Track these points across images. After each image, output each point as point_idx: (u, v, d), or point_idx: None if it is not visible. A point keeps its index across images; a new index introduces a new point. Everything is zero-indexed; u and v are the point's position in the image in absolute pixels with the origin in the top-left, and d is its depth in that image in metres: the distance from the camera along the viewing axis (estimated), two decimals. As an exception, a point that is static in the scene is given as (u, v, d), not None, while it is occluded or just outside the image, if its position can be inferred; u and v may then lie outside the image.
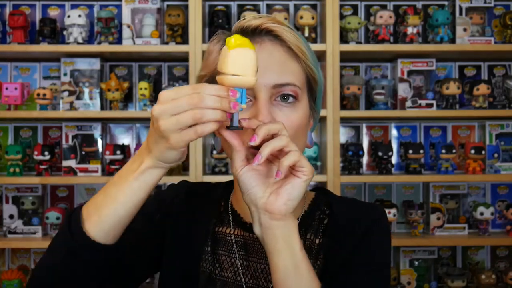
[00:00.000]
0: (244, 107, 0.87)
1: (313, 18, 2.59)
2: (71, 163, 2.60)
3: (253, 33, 1.01)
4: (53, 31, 2.62)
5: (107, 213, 0.93)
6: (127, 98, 2.74)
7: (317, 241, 1.08)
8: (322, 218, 1.11)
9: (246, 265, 1.07)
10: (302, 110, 1.01)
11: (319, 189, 1.19)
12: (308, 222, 1.10)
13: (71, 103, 2.60)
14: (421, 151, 2.60)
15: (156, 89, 2.74)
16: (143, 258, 1.09)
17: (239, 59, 0.85)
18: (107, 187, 0.95)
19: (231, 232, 1.10)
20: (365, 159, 2.75)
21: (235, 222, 1.10)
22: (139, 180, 0.91)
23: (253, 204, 0.91)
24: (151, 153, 0.89)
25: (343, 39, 2.63)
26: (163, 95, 0.85)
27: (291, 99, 0.99)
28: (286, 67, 1.00)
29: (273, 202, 0.89)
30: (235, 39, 0.86)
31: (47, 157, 2.56)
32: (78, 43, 2.57)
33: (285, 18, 2.62)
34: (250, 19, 1.02)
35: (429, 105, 2.59)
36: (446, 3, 2.79)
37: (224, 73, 0.86)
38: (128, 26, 2.60)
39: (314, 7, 2.75)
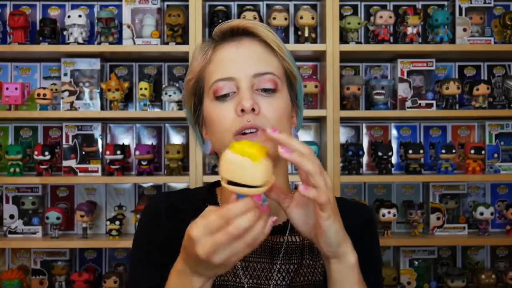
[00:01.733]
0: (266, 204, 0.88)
1: (313, 18, 2.59)
2: (71, 163, 2.60)
3: (231, 34, 1.07)
4: (54, 31, 2.63)
5: None
6: (127, 98, 2.74)
7: (306, 241, 1.10)
8: None
9: (245, 266, 1.07)
10: (283, 100, 1.06)
11: None
12: None
13: (71, 103, 2.60)
14: (421, 151, 2.60)
15: (156, 89, 2.74)
16: None
17: (252, 172, 0.84)
18: None
19: None
20: (365, 159, 2.75)
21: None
22: None
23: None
24: (202, 276, 0.88)
25: (343, 39, 2.64)
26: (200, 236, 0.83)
27: (271, 91, 1.04)
28: (264, 59, 1.06)
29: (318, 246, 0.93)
30: (254, 150, 0.85)
31: (47, 157, 2.56)
32: (78, 43, 2.57)
33: (285, 18, 2.62)
34: (228, 21, 1.09)
35: (429, 105, 2.59)
36: (446, 3, 2.80)
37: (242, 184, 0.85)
38: (128, 26, 2.60)
39: (314, 7, 2.75)
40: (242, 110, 1.00)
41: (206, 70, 1.08)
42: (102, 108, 2.63)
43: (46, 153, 2.55)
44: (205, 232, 0.82)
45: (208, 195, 1.16)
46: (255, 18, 2.60)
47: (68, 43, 2.58)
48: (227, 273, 1.07)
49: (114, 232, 2.54)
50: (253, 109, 1.00)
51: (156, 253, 1.07)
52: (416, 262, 2.73)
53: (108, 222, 2.58)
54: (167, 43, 2.61)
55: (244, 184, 0.84)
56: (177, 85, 2.69)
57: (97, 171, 2.60)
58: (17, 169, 2.56)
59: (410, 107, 2.60)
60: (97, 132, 2.65)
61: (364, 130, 2.80)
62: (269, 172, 0.86)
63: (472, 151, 2.59)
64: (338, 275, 0.92)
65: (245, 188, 0.84)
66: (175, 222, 1.08)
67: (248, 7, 2.74)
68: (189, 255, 0.85)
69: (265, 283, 1.06)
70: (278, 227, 1.10)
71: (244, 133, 1.01)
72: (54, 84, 2.76)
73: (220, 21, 2.64)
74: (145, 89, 2.59)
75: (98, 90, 2.63)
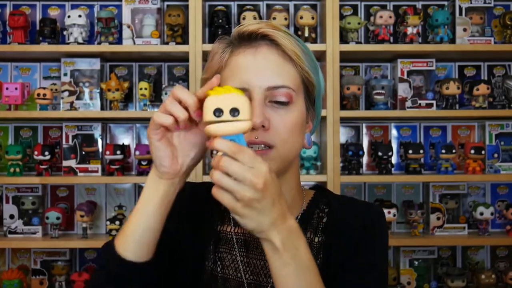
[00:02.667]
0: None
1: (313, 18, 2.59)
2: (71, 163, 2.60)
3: (250, 38, 1.05)
4: (53, 31, 2.62)
5: (130, 229, 0.98)
6: (127, 98, 2.74)
7: (316, 239, 1.10)
8: (321, 217, 1.12)
9: (247, 262, 1.08)
10: (297, 112, 1.04)
11: (318, 188, 1.20)
12: (307, 220, 1.11)
13: (71, 103, 2.60)
14: (421, 151, 2.60)
15: (156, 89, 2.74)
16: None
17: (227, 102, 0.86)
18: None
19: (232, 230, 1.11)
20: (365, 159, 2.75)
21: (235, 220, 1.11)
22: (145, 192, 0.98)
23: None
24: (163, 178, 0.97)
25: (343, 39, 2.64)
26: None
27: (284, 104, 1.02)
28: (280, 70, 1.03)
29: None
30: (217, 90, 0.88)
31: (47, 157, 2.56)
32: (78, 43, 2.57)
33: (285, 18, 2.62)
34: (248, 24, 1.06)
35: (429, 105, 2.59)
36: (446, 3, 2.79)
37: (211, 121, 0.86)
38: (128, 26, 2.60)
39: (314, 7, 2.75)
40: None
41: (221, 74, 1.06)
42: (102, 108, 2.63)
43: (46, 153, 2.55)
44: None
45: None
46: (254, 18, 2.60)
47: (68, 43, 2.58)
48: (228, 268, 1.09)
49: (114, 232, 2.54)
50: (263, 126, 0.99)
51: (170, 222, 1.07)
52: (416, 262, 2.73)
53: (108, 222, 2.58)
54: (167, 43, 2.61)
55: (231, 113, 0.86)
56: (177, 85, 2.69)
57: (97, 171, 2.60)
58: (17, 169, 2.56)
59: (410, 107, 2.60)
60: (97, 132, 2.65)
61: (364, 130, 2.80)
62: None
63: (472, 151, 2.59)
64: (269, 259, 0.92)
65: (233, 123, 0.86)
66: (195, 210, 1.13)
67: (248, 7, 2.74)
68: None
69: (264, 280, 1.06)
70: None
71: (251, 147, 1.00)
72: (54, 84, 2.76)
73: (220, 21, 2.65)
74: (145, 89, 2.59)
75: (98, 90, 2.63)
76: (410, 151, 2.59)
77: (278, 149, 1.01)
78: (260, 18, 2.69)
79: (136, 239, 0.97)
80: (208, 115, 0.86)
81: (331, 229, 1.09)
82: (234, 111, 0.86)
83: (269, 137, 1.00)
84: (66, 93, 2.60)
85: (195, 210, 1.13)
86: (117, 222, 2.55)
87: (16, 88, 2.54)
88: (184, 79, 2.78)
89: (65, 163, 2.60)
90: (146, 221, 0.96)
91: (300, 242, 0.92)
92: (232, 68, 1.05)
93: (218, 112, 0.86)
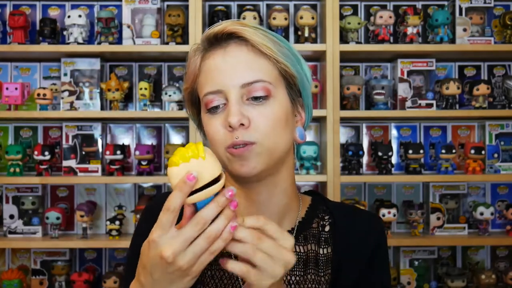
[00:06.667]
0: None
1: (313, 18, 2.59)
2: (71, 163, 2.60)
3: (217, 39, 1.03)
4: (53, 31, 2.63)
5: None
6: (127, 98, 2.74)
7: (321, 251, 1.07)
8: (322, 225, 1.10)
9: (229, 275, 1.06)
10: (278, 106, 1.01)
11: (315, 194, 1.17)
12: (307, 229, 1.09)
13: (71, 103, 2.60)
14: (421, 151, 2.60)
15: (156, 89, 2.74)
16: None
17: (197, 170, 0.84)
18: None
19: None
20: (365, 159, 2.75)
21: None
22: None
23: None
24: None
25: (343, 39, 2.63)
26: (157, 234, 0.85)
27: (262, 98, 0.99)
28: (252, 65, 1.00)
29: None
30: (179, 157, 0.86)
31: (47, 157, 2.56)
32: (78, 43, 2.57)
33: (285, 18, 2.62)
34: (214, 26, 1.04)
35: (429, 105, 2.59)
36: (446, 3, 2.79)
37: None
38: (128, 26, 2.60)
39: (314, 7, 2.75)
40: (230, 126, 0.97)
41: (197, 81, 1.05)
42: (102, 108, 2.63)
43: (46, 153, 2.55)
44: (167, 234, 0.84)
45: None
46: (255, 18, 2.60)
47: (68, 43, 2.58)
48: (227, 278, 1.06)
49: (114, 232, 2.54)
50: (242, 124, 0.97)
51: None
52: (416, 262, 2.73)
53: (108, 222, 2.58)
54: (167, 43, 2.61)
55: (205, 185, 0.84)
56: (177, 85, 2.69)
57: (97, 171, 2.60)
58: (17, 169, 2.56)
59: (410, 107, 2.60)
60: (97, 132, 2.65)
61: (364, 130, 2.80)
62: (217, 161, 0.87)
63: (472, 151, 2.59)
64: None
65: (208, 189, 0.84)
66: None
67: (248, 7, 2.74)
68: (153, 265, 0.86)
69: None
70: None
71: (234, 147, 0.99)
72: (54, 84, 2.76)
73: (220, 21, 2.64)
74: (145, 89, 2.59)
75: (98, 90, 2.63)
76: (410, 151, 2.59)
77: (261, 144, 0.98)
78: (260, 18, 2.69)
79: None
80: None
81: (338, 241, 1.07)
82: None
83: (250, 134, 0.97)
84: (66, 93, 2.60)
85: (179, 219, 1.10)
86: (117, 222, 2.55)
87: (16, 88, 2.54)
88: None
89: (65, 163, 2.60)
90: None
91: None
92: (205, 72, 1.02)
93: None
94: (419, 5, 2.80)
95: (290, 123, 1.03)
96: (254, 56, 1.01)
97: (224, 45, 1.02)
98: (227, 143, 0.98)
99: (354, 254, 1.05)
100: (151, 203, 1.16)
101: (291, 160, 1.07)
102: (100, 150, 2.64)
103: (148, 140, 2.77)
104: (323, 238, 1.08)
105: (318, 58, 2.72)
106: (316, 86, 2.61)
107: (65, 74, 2.63)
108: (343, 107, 2.58)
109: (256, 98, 0.99)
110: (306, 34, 2.59)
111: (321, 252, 1.07)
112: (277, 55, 1.02)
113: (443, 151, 2.58)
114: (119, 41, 2.63)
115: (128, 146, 2.74)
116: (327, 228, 1.09)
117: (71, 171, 2.59)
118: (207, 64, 1.02)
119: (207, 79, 1.02)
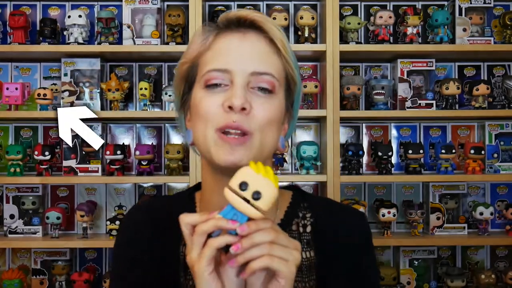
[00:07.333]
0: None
1: (313, 18, 2.59)
2: (72, 163, 2.60)
3: (238, 24, 1.01)
4: (54, 31, 2.63)
5: None
6: (127, 98, 2.75)
7: (303, 255, 1.03)
8: (303, 225, 1.06)
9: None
10: (278, 104, 1.00)
11: (294, 189, 1.13)
12: (286, 229, 1.04)
13: (72, 103, 2.60)
14: (421, 151, 2.60)
15: (156, 89, 2.74)
16: None
17: (258, 183, 0.84)
18: None
19: None
20: (365, 159, 2.75)
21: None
22: None
23: None
24: None
25: (343, 39, 2.64)
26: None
27: (267, 91, 0.98)
28: (267, 58, 1.00)
29: None
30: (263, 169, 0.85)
31: (48, 157, 2.56)
32: (79, 43, 2.57)
33: (285, 18, 2.62)
34: (237, 10, 1.03)
35: (429, 105, 2.60)
36: (445, 3, 2.80)
37: (237, 193, 0.84)
38: (129, 26, 2.60)
39: (314, 7, 2.75)
40: (230, 107, 0.94)
41: (202, 56, 1.01)
42: (102, 108, 2.63)
43: (46, 153, 2.56)
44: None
45: (189, 201, 1.11)
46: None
47: (68, 43, 2.58)
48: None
49: (114, 232, 2.54)
50: (243, 108, 0.95)
51: (136, 268, 1.02)
52: (416, 262, 2.73)
53: (108, 222, 2.58)
54: (167, 43, 2.61)
55: (253, 195, 0.84)
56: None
57: (97, 171, 2.60)
58: (17, 169, 2.57)
59: (410, 107, 2.60)
60: (97, 132, 2.65)
61: (364, 130, 2.80)
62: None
63: (472, 151, 2.59)
64: None
65: (250, 208, 0.84)
66: (156, 234, 1.05)
67: (248, 7, 2.74)
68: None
69: None
70: None
71: (226, 132, 0.95)
72: (54, 84, 2.76)
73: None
74: (145, 89, 2.60)
75: (98, 90, 2.63)
76: (410, 151, 2.59)
77: (255, 137, 0.96)
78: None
79: None
80: (235, 182, 0.85)
81: (319, 243, 1.04)
82: (258, 194, 0.83)
83: (247, 122, 0.95)
84: (66, 93, 2.60)
85: (155, 233, 1.06)
86: (117, 222, 2.55)
87: (16, 88, 2.55)
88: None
89: (65, 163, 2.61)
90: None
91: None
92: (216, 50, 1.00)
93: (244, 186, 0.84)
94: (419, 5, 2.80)
95: (280, 126, 1.03)
96: (270, 50, 1.00)
97: (243, 30, 1.01)
98: (220, 124, 0.95)
99: (338, 255, 1.02)
100: (130, 218, 1.13)
101: (270, 163, 1.06)
102: (100, 150, 2.64)
103: (148, 140, 2.78)
104: (304, 241, 1.04)
105: (318, 58, 2.72)
106: (316, 86, 2.61)
107: (65, 74, 2.63)
108: (343, 107, 2.59)
109: (261, 89, 0.98)
110: (306, 34, 2.59)
111: (303, 256, 1.03)
112: (289, 56, 1.02)
113: (443, 151, 2.58)
114: (119, 41, 2.63)
115: (128, 146, 2.74)
116: (308, 229, 1.06)
117: (71, 171, 2.60)
118: (221, 42, 1.00)
119: (215, 56, 0.99)
